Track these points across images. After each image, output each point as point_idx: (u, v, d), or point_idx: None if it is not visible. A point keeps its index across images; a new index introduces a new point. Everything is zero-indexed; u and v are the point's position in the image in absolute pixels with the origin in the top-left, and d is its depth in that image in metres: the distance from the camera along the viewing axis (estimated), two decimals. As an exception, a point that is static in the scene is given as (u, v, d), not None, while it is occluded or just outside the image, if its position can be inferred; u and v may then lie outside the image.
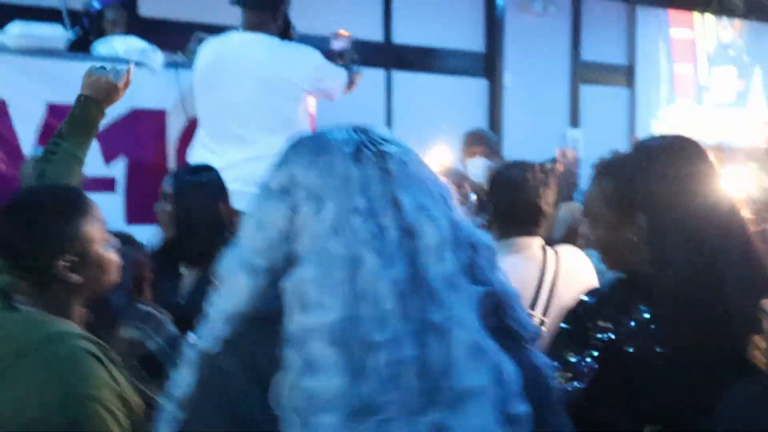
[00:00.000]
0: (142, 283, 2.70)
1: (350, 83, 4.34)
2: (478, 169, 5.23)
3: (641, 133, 9.31)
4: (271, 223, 1.30)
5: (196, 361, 1.31)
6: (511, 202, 2.97)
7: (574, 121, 8.87)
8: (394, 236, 1.23)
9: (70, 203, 2.03)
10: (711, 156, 2.03)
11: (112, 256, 2.06)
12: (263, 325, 1.26)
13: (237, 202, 3.34)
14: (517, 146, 8.13)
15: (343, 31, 4.45)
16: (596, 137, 8.69)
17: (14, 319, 1.91)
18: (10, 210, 2.02)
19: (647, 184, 1.97)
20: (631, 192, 1.99)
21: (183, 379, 1.31)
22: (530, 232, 2.97)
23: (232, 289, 1.31)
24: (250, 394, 1.21)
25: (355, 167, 1.27)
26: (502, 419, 1.21)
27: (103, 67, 2.73)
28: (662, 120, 9.61)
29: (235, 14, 6.53)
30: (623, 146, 8.83)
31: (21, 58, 3.86)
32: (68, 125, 2.62)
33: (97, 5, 5.20)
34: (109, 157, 4.08)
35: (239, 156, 3.88)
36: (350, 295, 1.20)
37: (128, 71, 2.76)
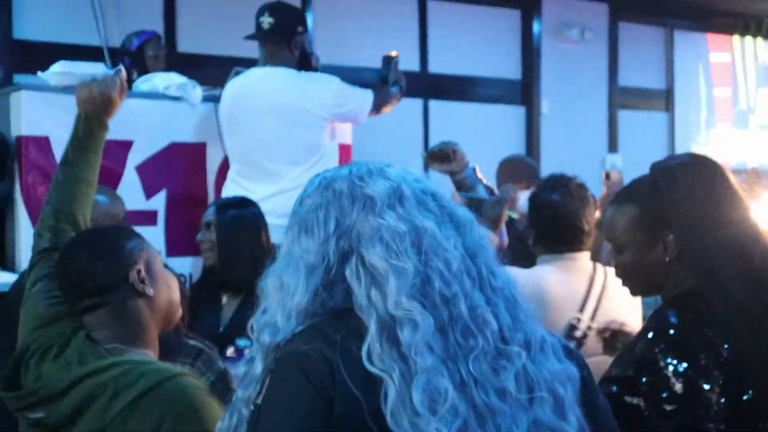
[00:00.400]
0: (183, 314, 2.73)
1: (385, 104, 4.31)
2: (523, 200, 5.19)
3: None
4: (319, 225, 1.42)
5: (266, 356, 1.40)
6: (553, 222, 3.02)
7: (613, 147, 8.84)
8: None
9: (124, 230, 2.17)
10: (736, 175, 2.05)
11: (172, 278, 2.15)
12: (330, 319, 1.39)
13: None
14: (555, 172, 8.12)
15: (392, 53, 4.44)
16: (635, 162, 8.62)
17: (111, 361, 1.93)
18: (73, 247, 2.11)
19: (674, 203, 1.98)
20: (656, 212, 2.00)
21: (251, 375, 1.39)
22: (576, 249, 3.01)
23: (290, 288, 1.41)
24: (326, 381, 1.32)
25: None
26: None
27: (94, 79, 2.62)
28: (702, 144, 9.54)
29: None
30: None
31: (63, 95, 3.94)
32: (73, 148, 2.51)
33: (136, 42, 5.30)
34: (149, 191, 4.14)
35: (267, 191, 3.93)
36: (417, 256, 1.37)
37: (119, 76, 2.65)
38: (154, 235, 4.08)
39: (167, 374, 1.87)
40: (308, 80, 4.04)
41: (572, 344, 2.83)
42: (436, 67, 7.85)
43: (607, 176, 4.24)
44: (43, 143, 3.88)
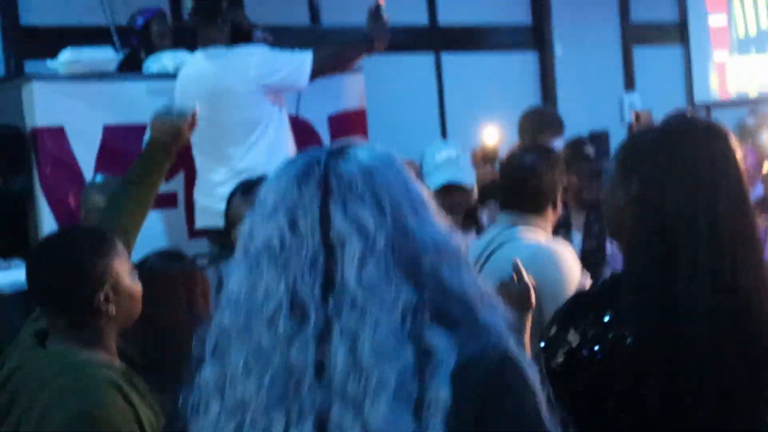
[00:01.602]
0: (195, 296, 2.73)
1: (338, 60, 4.18)
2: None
3: (699, 91, 9.16)
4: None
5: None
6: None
7: (629, 85, 8.74)
8: (311, 248, 1.28)
9: (98, 240, 2.15)
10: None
11: (138, 286, 2.17)
12: None
13: (219, 219, 3.40)
14: (573, 116, 8.01)
15: (379, 1, 4.20)
16: (653, 99, 8.55)
17: (41, 355, 2.06)
18: (41, 254, 2.19)
19: (647, 145, 1.92)
20: (632, 152, 1.93)
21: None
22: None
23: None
24: None
25: (296, 188, 1.32)
26: (411, 408, 1.23)
27: (170, 110, 2.80)
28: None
29: (278, 13, 6.59)
30: (680, 105, 8.72)
31: (74, 83, 3.95)
32: (137, 170, 2.69)
33: (140, 20, 5.27)
34: (168, 173, 4.14)
35: (221, 177, 3.93)
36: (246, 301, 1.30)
37: (194, 113, 2.83)
38: (174, 217, 4.11)
39: (80, 364, 1.99)
40: (228, 57, 3.94)
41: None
42: (445, 18, 7.76)
43: (637, 117, 4.19)
44: (58, 134, 3.90)
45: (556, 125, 5.20)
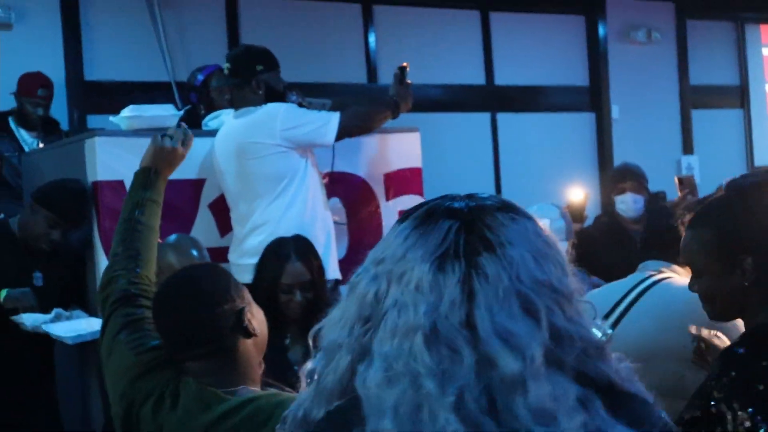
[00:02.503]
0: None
1: (367, 121, 4.12)
2: (627, 204, 5.13)
3: (759, 155, 9.03)
4: (360, 298, 1.24)
5: None
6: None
7: (688, 148, 8.65)
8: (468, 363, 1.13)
9: (218, 269, 2.16)
10: None
11: (262, 314, 2.14)
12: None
13: (243, 275, 3.36)
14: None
15: (403, 64, 4.23)
16: (712, 162, 8.47)
17: (239, 405, 1.95)
18: (176, 294, 2.09)
19: (751, 226, 1.92)
20: (733, 236, 1.94)
21: None
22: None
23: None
24: None
25: (432, 276, 1.17)
26: None
27: (165, 135, 2.72)
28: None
29: (335, 71, 6.67)
30: (740, 169, 8.61)
31: (135, 139, 4.00)
32: (137, 198, 2.56)
33: (200, 77, 5.36)
34: (223, 228, 4.19)
35: (244, 231, 3.96)
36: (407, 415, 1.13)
37: (186, 133, 2.75)
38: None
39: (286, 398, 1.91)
40: (256, 113, 3.97)
41: None
42: (501, 78, 7.80)
43: (680, 181, 4.14)
44: (118, 187, 3.95)
45: (640, 179, 5.27)
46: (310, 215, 3.94)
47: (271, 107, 3.97)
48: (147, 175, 2.58)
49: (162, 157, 2.64)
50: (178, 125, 2.81)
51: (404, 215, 1.28)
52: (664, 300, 2.87)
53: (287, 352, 3.30)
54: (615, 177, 5.33)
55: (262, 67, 4.07)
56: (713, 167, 8.33)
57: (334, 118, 3.93)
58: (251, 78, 4.04)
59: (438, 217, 1.22)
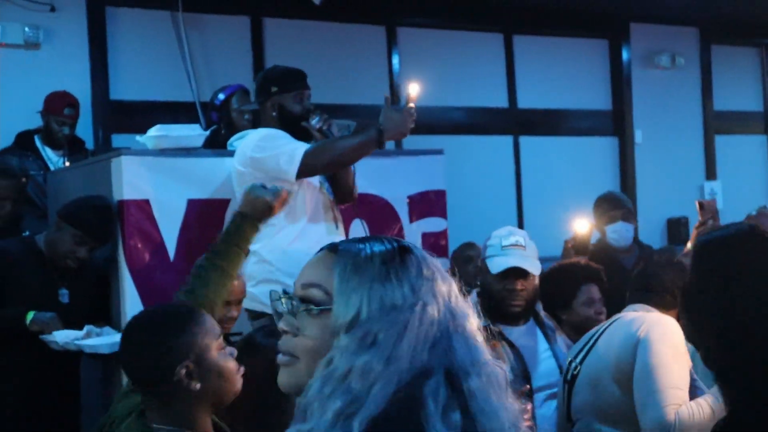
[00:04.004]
0: None
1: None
2: (619, 233, 5.13)
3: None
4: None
5: None
6: None
7: (711, 174, 8.61)
8: None
9: (183, 316, 2.18)
10: None
11: (231, 364, 2.13)
12: None
13: (249, 302, 3.59)
14: (652, 203, 7.97)
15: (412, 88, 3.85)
16: (735, 188, 8.42)
17: None
18: (128, 332, 2.22)
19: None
20: None
21: None
22: None
23: None
24: None
25: None
26: None
27: (264, 186, 2.87)
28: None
29: (359, 93, 6.68)
30: (763, 195, 8.56)
31: (161, 159, 4.03)
32: (223, 242, 2.74)
33: (221, 96, 5.37)
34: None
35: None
36: None
37: (285, 192, 2.90)
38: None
39: None
40: (244, 139, 3.94)
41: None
42: (524, 102, 7.79)
43: (702, 206, 4.12)
44: (143, 206, 3.97)
45: (629, 207, 5.30)
46: (298, 242, 3.84)
47: (253, 133, 3.94)
48: (236, 217, 2.84)
49: (257, 206, 2.83)
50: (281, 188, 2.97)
51: None
52: (615, 329, 3.13)
53: None
54: (606, 206, 5.27)
55: (276, 88, 4.01)
56: (736, 193, 8.29)
57: (297, 154, 3.71)
58: (266, 100, 4.02)
59: None
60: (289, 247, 3.83)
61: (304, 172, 3.74)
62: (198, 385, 2.07)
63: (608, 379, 3.02)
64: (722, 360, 1.93)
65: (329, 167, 3.86)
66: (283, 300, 1.40)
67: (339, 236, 3.96)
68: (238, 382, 2.17)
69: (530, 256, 3.51)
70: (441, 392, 1.29)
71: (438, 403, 1.28)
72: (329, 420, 1.26)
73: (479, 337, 1.39)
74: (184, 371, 2.06)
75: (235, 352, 2.20)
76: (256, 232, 2.80)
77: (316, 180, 3.93)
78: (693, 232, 4.12)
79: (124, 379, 2.57)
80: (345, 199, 4.14)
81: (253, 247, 3.84)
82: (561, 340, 3.60)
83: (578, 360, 3.17)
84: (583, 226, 4.71)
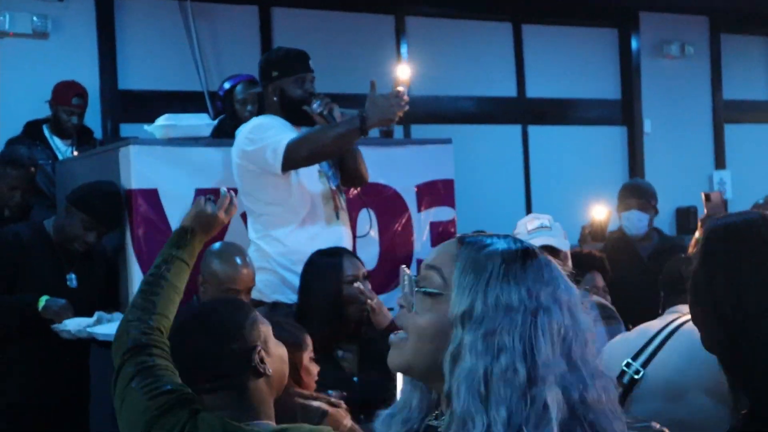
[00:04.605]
0: (299, 370, 2.72)
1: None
2: (631, 222, 5.12)
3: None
4: None
5: None
6: None
7: (720, 163, 8.59)
8: None
9: (239, 305, 2.20)
10: None
11: (284, 350, 2.18)
12: None
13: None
14: (661, 193, 7.91)
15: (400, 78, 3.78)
16: (745, 177, 8.39)
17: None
18: (192, 326, 2.16)
19: None
20: None
21: None
22: None
23: None
24: None
25: None
26: None
27: (209, 198, 2.76)
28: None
29: (367, 82, 6.67)
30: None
31: (170, 148, 4.03)
32: (168, 256, 2.53)
33: (226, 85, 5.35)
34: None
35: None
36: None
37: (230, 198, 2.80)
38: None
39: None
40: (243, 126, 3.89)
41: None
42: (533, 91, 7.78)
43: (707, 198, 4.12)
44: (151, 195, 3.98)
45: (648, 196, 5.24)
46: (295, 234, 3.82)
47: (247, 124, 3.88)
48: (183, 235, 2.59)
49: (202, 220, 2.67)
50: (225, 192, 2.85)
51: None
52: (690, 339, 2.80)
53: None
54: (625, 193, 5.28)
55: (277, 72, 3.89)
56: (746, 182, 8.26)
57: (280, 147, 3.64)
58: (268, 84, 3.92)
59: None
60: (287, 239, 3.82)
61: (288, 164, 3.65)
62: (270, 370, 2.08)
63: (698, 391, 2.84)
64: (727, 349, 1.93)
65: (312, 159, 3.72)
66: (406, 278, 1.45)
67: (340, 226, 3.92)
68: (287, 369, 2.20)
69: (557, 235, 3.51)
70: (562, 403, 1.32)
71: (560, 413, 1.30)
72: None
73: (594, 347, 1.41)
74: (258, 357, 2.06)
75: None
76: (201, 245, 2.64)
77: (314, 169, 3.86)
78: (699, 225, 4.11)
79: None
80: (354, 183, 4.09)
81: (251, 236, 3.88)
82: None
83: (638, 363, 2.98)
84: (600, 212, 4.72)
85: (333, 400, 2.66)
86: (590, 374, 1.35)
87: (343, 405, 2.68)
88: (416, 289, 1.42)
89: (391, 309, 3.73)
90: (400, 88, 3.64)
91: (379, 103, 3.60)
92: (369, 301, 3.37)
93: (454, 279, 1.38)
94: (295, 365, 2.57)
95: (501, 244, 1.41)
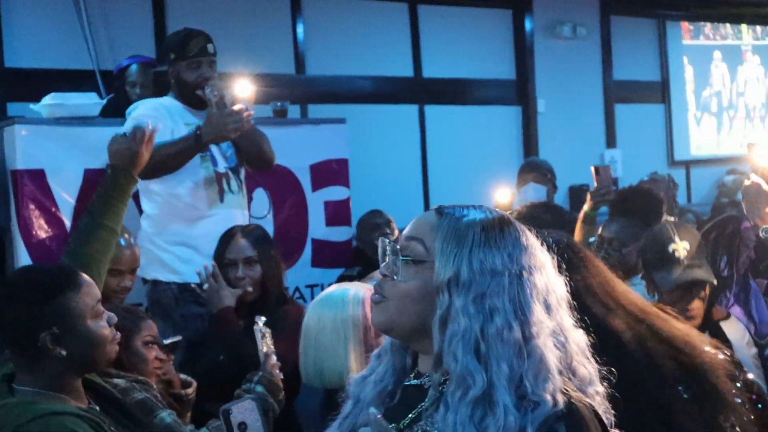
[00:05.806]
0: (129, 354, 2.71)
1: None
2: (527, 194, 5.21)
3: (679, 148, 9.25)
4: None
5: None
6: None
7: (611, 142, 8.82)
8: None
9: (57, 279, 2.14)
10: None
11: (105, 331, 2.12)
12: None
13: None
14: (556, 171, 8.10)
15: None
16: (634, 156, 8.64)
17: (10, 403, 2.03)
18: (2, 291, 2.18)
19: None
20: None
21: None
22: None
23: None
24: None
25: None
26: None
27: (124, 134, 2.75)
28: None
29: (264, 62, 6.63)
30: (661, 163, 8.81)
31: (56, 127, 3.95)
32: (99, 197, 2.66)
33: (123, 64, 5.26)
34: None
35: None
36: None
37: (148, 132, 2.77)
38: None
39: (41, 412, 1.95)
40: (132, 107, 3.94)
41: None
42: (430, 71, 7.83)
43: (597, 171, 4.24)
44: (38, 176, 3.89)
45: (544, 171, 5.52)
46: (177, 221, 3.89)
47: (134, 105, 3.92)
48: (107, 175, 2.65)
49: (123, 158, 2.71)
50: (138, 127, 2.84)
51: None
52: None
53: None
54: (520, 171, 5.51)
55: (174, 55, 3.92)
56: (635, 160, 8.51)
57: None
58: (169, 66, 3.95)
59: None
60: (164, 220, 3.90)
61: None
62: (63, 352, 2.06)
63: None
64: None
65: (151, 174, 3.55)
66: (388, 248, 1.53)
67: (225, 209, 3.93)
68: (112, 350, 2.17)
69: None
70: None
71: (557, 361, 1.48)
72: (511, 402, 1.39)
73: (564, 304, 1.53)
74: (48, 338, 2.05)
75: (115, 318, 2.18)
76: (133, 181, 2.70)
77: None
78: (587, 197, 4.22)
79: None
80: (259, 165, 4.11)
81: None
82: None
83: None
84: (504, 195, 4.80)
85: (141, 378, 2.60)
86: (568, 327, 1.49)
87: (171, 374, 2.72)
88: (402, 257, 1.50)
89: (286, 289, 3.76)
90: (240, 106, 3.70)
91: (215, 120, 3.68)
92: None
93: (437, 248, 1.47)
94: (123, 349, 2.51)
95: (478, 214, 1.51)
